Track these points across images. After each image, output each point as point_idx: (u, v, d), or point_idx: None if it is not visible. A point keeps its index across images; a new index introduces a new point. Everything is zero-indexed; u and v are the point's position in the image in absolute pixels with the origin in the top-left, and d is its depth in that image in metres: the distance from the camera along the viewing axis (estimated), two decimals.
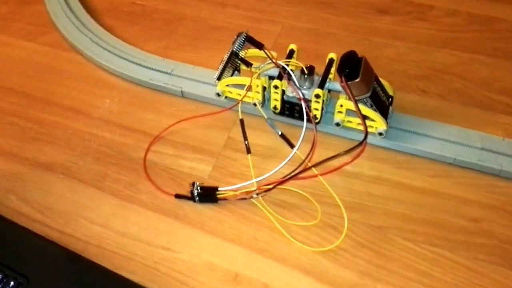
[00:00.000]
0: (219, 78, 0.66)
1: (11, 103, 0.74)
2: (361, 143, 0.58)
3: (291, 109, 0.64)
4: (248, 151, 0.63)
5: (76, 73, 0.78)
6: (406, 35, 0.81)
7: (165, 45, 0.83)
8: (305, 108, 0.61)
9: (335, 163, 0.61)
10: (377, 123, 0.60)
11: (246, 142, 0.63)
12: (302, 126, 0.62)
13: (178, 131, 0.68)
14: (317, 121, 0.63)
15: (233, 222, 0.58)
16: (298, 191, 0.59)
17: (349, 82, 0.57)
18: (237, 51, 0.64)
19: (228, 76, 0.66)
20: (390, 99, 0.63)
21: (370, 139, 0.62)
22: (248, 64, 0.64)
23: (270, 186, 0.58)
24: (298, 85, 0.61)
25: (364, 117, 0.59)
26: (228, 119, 0.69)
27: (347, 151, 0.58)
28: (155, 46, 0.82)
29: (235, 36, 0.64)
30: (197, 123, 0.69)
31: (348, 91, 0.57)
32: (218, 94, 0.68)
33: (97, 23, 0.86)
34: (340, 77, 0.57)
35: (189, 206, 0.60)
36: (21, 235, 0.58)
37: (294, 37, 0.80)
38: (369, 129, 0.61)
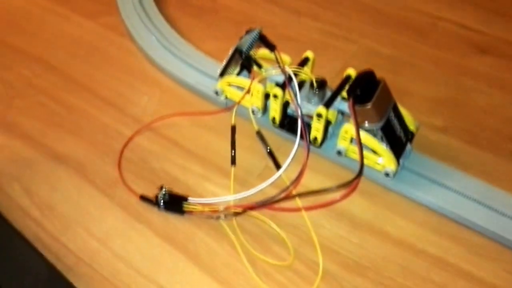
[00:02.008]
0: (221, 75, 0.60)
1: (48, 81, 0.69)
2: (352, 180, 0.48)
3: (291, 124, 0.57)
4: (233, 162, 0.56)
5: (123, 62, 0.72)
6: (505, 83, 0.67)
7: (225, 47, 0.72)
8: (301, 125, 0.53)
9: (327, 197, 0.52)
10: (385, 161, 0.51)
11: (233, 152, 0.57)
12: (303, 146, 0.55)
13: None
14: (317, 143, 0.55)
15: (197, 241, 0.51)
16: (272, 225, 0.51)
17: (357, 106, 0.49)
18: (241, 49, 0.57)
19: (233, 75, 0.60)
20: (409, 135, 0.54)
21: (377, 177, 0.54)
22: (250, 65, 0.59)
23: (239, 210, 0.51)
24: (306, 99, 0.54)
25: (361, 150, 0.50)
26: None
27: (340, 187, 0.49)
28: (214, 46, 0.74)
29: (245, 32, 0.58)
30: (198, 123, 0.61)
31: (353, 115, 0.49)
32: (216, 93, 0.62)
33: (160, 12, 0.79)
34: (349, 98, 0.49)
35: (153, 214, 0.53)
36: (9, 236, 0.51)
37: (369, 61, 0.69)
38: (375, 166, 0.53)
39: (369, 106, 0.48)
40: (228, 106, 0.62)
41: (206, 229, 0.51)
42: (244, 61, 0.58)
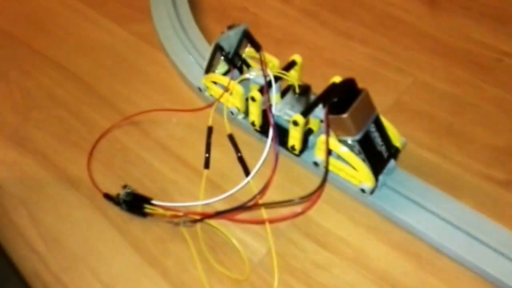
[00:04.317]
0: (206, 72, 0.58)
1: (69, 93, 0.63)
2: (315, 191, 0.44)
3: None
4: (206, 166, 0.54)
5: (153, 76, 0.66)
6: None
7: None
8: (272, 131, 0.51)
9: (296, 208, 0.48)
10: (361, 176, 0.47)
11: (207, 155, 0.55)
12: (288, 154, 0.54)
13: None
14: (295, 152, 0.53)
15: (158, 245, 0.48)
16: (231, 238, 0.47)
17: (332, 115, 0.45)
18: (221, 45, 0.55)
19: (220, 72, 0.58)
20: (393, 151, 0.51)
21: (355, 193, 0.50)
22: (231, 63, 0.57)
23: (198, 217, 0.48)
24: (289, 105, 0.53)
25: (327, 161, 0.47)
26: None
27: (303, 198, 0.45)
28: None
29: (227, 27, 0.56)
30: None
31: (325, 124, 0.46)
32: (200, 89, 0.61)
33: (196, 23, 0.72)
34: (324, 105, 0.47)
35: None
36: (4, 270, 0.45)
37: (425, 98, 0.61)
38: (352, 181, 0.50)
39: (344, 116, 0.45)
40: (209, 103, 0.60)
41: (168, 234, 0.49)
42: (225, 57, 0.56)
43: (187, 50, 0.67)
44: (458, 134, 0.56)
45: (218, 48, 0.56)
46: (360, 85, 0.60)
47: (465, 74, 0.63)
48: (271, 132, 0.52)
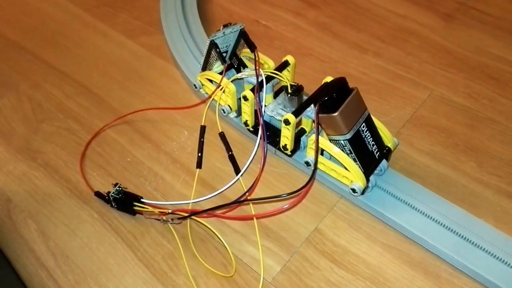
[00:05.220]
0: (203, 69, 0.59)
1: (80, 105, 0.62)
2: (302, 188, 0.44)
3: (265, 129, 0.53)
4: (198, 165, 0.54)
5: (164, 88, 0.65)
6: None
7: None
8: (261, 130, 0.51)
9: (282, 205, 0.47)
10: (352, 176, 0.47)
11: (199, 154, 0.54)
12: (280, 155, 0.54)
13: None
14: (287, 151, 0.53)
15: (169, 261, 0.47)
16: (218, 234, 0.47)
17: (322, 114, 0.45)
18: (215, 42, 0.55)
19: (217, 71, 0.59)
20: (384, 151, 0.50)
21: (344, 192, 0.50)
22: (223, 60, 0.57)
23: (185, 214, 0.47)
24: (282, 105, 0.53)
25: (316, 158, 0.46)
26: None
27: (290, 194, 0.45)
28: None
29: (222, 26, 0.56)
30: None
31: (316, 122, 0.46)
32: (195, 86, 0.61)
33: (207, 36, 0.72)
34: (315, 104, 0.47)
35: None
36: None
37: (442, 112, 0.60)
38: (343, 180, 0.49)
39: (335, 114, 0.45)
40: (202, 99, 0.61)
41: (178, 250, 0.48)
42: (219, 54, 0.56)
43: (196, 59, 0.66)
44: (477, 149, 0.55)
45: (213, 45, 0.56)
46: (376, 98, 0.59)
47: (482, 88, 0.62)
48: (260, 131, 0.51)
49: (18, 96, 0.64)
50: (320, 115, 0.46)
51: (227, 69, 0.57)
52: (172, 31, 0.72)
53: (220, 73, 0.58)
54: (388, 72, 0.65)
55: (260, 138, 0.52)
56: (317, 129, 0.46)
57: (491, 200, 0.51)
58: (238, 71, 0.58)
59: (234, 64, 0.59)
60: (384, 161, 0.50)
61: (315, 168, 0.45)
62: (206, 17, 0.77)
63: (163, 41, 0.72)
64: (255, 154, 0.52)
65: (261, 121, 0.51)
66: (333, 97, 0.46)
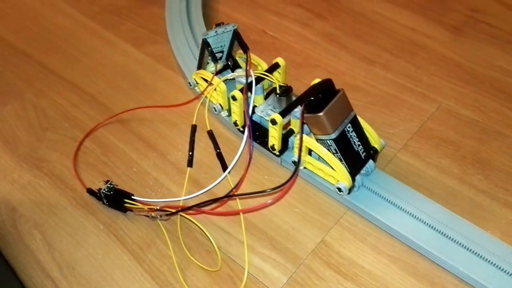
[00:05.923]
0: (198, 68, 0.61)
1: (85, 114, 0.62)
2: (285, 183, 0.46)
3: (253, 131, 0.54)
4: (189, 164, 0.55)
5: (170, 98, 0.64)
6: None
7: None
8: (247, 130, 0.52)
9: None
10: (338, 175, 0.48)
11: (190, 153, 0.56)
12: (268, 155, 0.55)
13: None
14: (275, 151, 0.54)
15: (174, 273, 0.47)
16: (204, 230, 0.48)
17: (308, 114, 0.47)
18: (207, 40, 0.56)
19: (211, 69, 0.60)
20: (371, 151, 0.51)
21: (331, 192, 0.51)
22: (215, 58, 0.58)
23: (173, 210, 0.49)
24: (272, 106, 0.54)
25: (299, 156, 0.48)
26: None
27: (274, 189, 0.46)
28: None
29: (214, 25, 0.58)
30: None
31: (300, 122, 0.47)
32: (190, 84, 0.63)
33: None
34: (301, 104, 0.48)
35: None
36: None
37: (450, 125, 0.59)
38: (330, 179, 0.50)
39: (320, 114, 0.46)
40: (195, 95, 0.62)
41: (184, 262, 0.48)
42: (211, 53, 0.58)
43: None
44: (484, 162, 0.55)
45: (205, 44, 0.56)
46: (384, 110, 0.59)
47: (491, 102, 0.62)
48: (246, 131, 0.52)
49: (23, 104, 0.64)
50: (306, 115, 0.47)
51: (224, 69, 0.59)
52: (178, 41, 0.72)
53: (219, 73, 0.59)
54: (396, 85, 0.65)
55: (247, 137, 0.52)
56: (302, 127, 0.48)
57: (498, 213, 0.51)
58: (233, 71, 0.59)
59: (230, 64, 0.60)
60: (370, 161, 0.50)
61: (298, 164, 0.47)
62: (212, 26, 0.76)
63: (169, 51, 0.71)
64: (241, 153, 0.53)
65: (247, 121, 0.52)
66: (319, 97, 0.47)
